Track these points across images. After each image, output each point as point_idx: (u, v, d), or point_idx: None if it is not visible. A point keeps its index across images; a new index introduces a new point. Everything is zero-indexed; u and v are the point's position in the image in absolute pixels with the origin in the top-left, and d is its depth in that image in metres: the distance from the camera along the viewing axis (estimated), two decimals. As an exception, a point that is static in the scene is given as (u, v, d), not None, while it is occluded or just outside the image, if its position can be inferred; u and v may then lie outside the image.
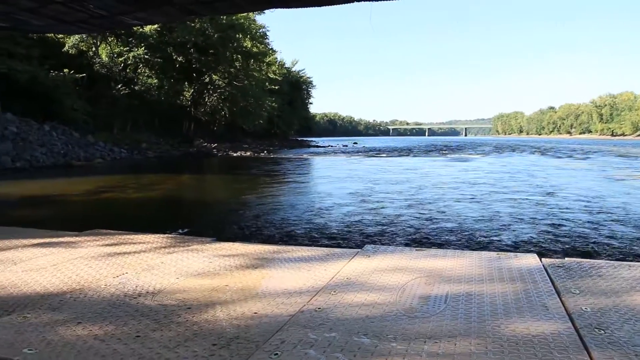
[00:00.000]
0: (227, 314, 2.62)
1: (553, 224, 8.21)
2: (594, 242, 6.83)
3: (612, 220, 8.49)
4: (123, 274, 3.40)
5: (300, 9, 12.10)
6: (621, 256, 6.02)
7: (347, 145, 66.01)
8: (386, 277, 3.26)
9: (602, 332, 2.39)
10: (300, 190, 13.64)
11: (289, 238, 6.88)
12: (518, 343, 2.25)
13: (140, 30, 40.31)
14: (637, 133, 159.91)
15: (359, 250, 4.04)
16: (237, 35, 49.45)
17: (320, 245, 6.17)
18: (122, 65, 42.19)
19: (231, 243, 4.38)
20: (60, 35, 34.42)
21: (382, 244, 6.15)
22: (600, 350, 2.19)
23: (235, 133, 56.52)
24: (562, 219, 8.61)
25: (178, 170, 23.69)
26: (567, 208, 9.97)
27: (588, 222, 8.40)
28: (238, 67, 51.57)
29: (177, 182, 17.31)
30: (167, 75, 45.71)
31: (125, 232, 4.85)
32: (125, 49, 42.00)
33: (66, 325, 2.48)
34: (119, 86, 39.97)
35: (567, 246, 6.54)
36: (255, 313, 2.63)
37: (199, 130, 50.12)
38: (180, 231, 7.13)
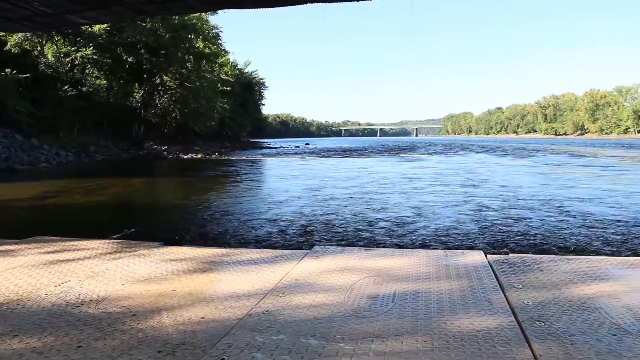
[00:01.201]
0: (173, 319, 2.58)
1: (498, 220, 8.51)
2: (535, 236, 7.03)
3: (552, 215, 8.77)
4: (65, 282, 3.30)
5: (253, 9, 12.02)
6: (562, 250, 6.23)
7: (299, 146, 65.97)
8: (335, 277, 3.27)
9: (543, 324, 2.47)
10: (251, 193, 13.56)
11: (238, 240, 6.82)
12: (463, 339, 2.30)
13: (89, 29, 39.26)
14: (578, 132, 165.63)
15: (308, 251, 4.04)
16: (189, 36, 48.81)
17: (270, 247, 6.17)
18: (69, 65, 41.01)
19: (179, 247, 4.32)
20: (2, 33, 33.19)
21: (332, 245, 6.18)
22: (540, 341, 2.26)
23: (186, 135, 55.78)
24: (507, 216, 8.89)
25: (127, 173, 23.21)
26: (512, 205, 10.38)
27: (530, 217, 8.70)
28: (190, 68, 50.89)
29: (125, 185, 16.95)
30: (117, 76, 44.71)
31: (69, 238, 4.70)
32: (72, 48, 40.80)
33: (1, 339, 2.38)
34: (66, 87, 38.71)
35: (511, 242, 6.70)
36: (203, 318, 2.60)
37: (149, 133, 49.23)
38: (127, 236, 6.99)
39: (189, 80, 50.41)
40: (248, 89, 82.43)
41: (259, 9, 11.48)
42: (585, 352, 2.15)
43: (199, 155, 39.83)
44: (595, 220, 8.40)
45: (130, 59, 45.25)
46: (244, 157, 37.02)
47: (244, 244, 6.56)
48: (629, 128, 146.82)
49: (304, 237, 7.02)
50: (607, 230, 7.46)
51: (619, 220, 8.24)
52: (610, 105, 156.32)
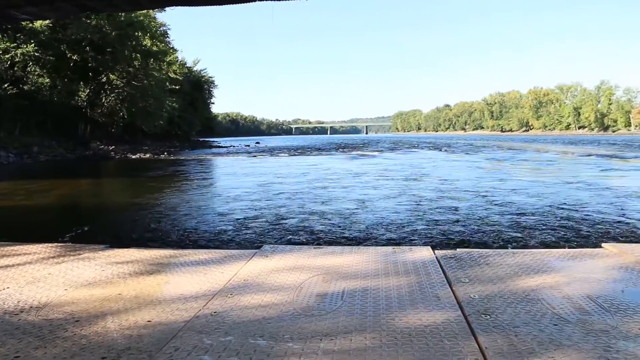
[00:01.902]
0: (118, 324, 2.52)
1: (445, 215, 8.67)
2: (482, 232, 7.18)
3: (498, 211, 8.99)
4: (4, 289, 3.16)
5: (202, 7, 11.84)
6: (506, 244, 6.38)
7: (249, 145, 65.56)
8: (284, 276, 3.26)
9: (488, 317, 2.52)
10: (200, 192, 13.38)
11: (187, 241, 6.70)
12: (411, 334, 2.32)
13: (30, 25, 37.85)
14: (523, 129, 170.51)
15: (257, 250, 4.01)
16: (136, 33, 47.74)
17: (219, 247, 6.08)
18: (9, 62, 39.46)
19: (125, 249, 4.21)
20: None
21: (281, 243, 6.15)
22: (486, 334, 2.31)
23: (134, 135, 54.59)
24: (454, 211, 9.04)
25: (72, 174, 22.57)
26: (459, 199, 10.61)
27: (477, 212, 8.90)
28: (137, 66, 49.73)
29: (70, 187, 16.47)
30: (61, 75, 43.27)
31: (9, 242, 4.50)
32: (12, 45, 39.30)
33: None
34: (6, 85, 37.31)
35: (459, 239, 6.81)
36: (149, 321, 2.54)
37: (96, 132, 47.93)
38: (71, 239, 6.78)
39: (137, 79, 49.32)
40: (197, 88, 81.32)
41: (207, 6, 11.30)
42: (529, 343, 2.21)
43: (148, 155, 39.09)
44: (523, 211, 8.80)
45: (74, 57, 43.92)
46: (193, 157, 36.53)
47: (193, 244, 6.45)
48: (570, 124, 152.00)
49: (253, 236, 6.95)
50: (530, 220, 7.77)
51: (542, 211, 8.57)
52: (552, 103, 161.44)
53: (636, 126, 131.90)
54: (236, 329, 2.41)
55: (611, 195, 10.81)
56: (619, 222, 7.66)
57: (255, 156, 35.56)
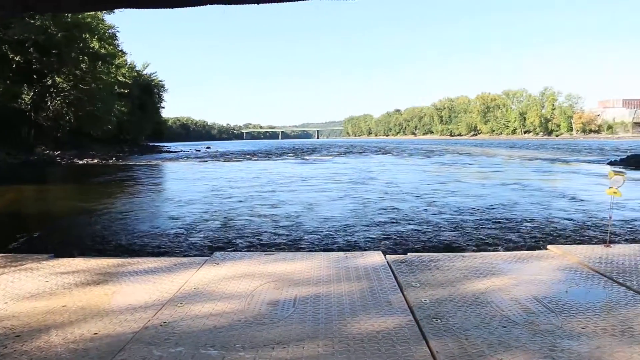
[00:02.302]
0: (63, 337, 2.42)
1: (396, 219, 8.84)
2: (425, 233, 7.29)
3: (441, 213, 9.18)
4: (-60, 302, 3.01)
5: (151, 9, 11.62)
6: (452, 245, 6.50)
7: (200, 150, 64.71)
8: (235, 284, 3.21)
9: (439, 321, 2.55)
10: (149, 198, 13.13)
11: (135, 249, 6.54)
12: (363, 340, 2.32)
13: (-34, 24, 36.42)
14: (472, 133, 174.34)
15: (208, 257, 3.95)
16: (83, 35, 46.51)
17: (169, 255, 5.96)
18: (-57, 63, 37.84)
19: (71, 259, 4.06)
20: None
21: (232, 250, 6.07)
22: (437, 338, 2.33)
23: (81, 139, 53.06)
24: (404, 215, 9.20)
25: (15, 180, 21.75)
26: (404, 202, 10.93)
27: (420, 215, 9.17)
28: (84, 69, 48.32)
29: (12, 194, 15.88)
30: (2, 76, 41.82)
31: (-55, 255, 4.31)
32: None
33: None
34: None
35: (404, 241, 6.89)
36: (96, 334, 2.46)
37: (41, 137, 46.36)
38: (12, 249, 6.52)
39: (84, 82, 47.97)
40: (147, 92, 79.77)
41: (157, 9, 11.11)
42: (479, 346, 2.24)
43: (96, 161, 38.15)
44: (468, 213, 9.08)
45: (17, 58, 42.50)
46: (143, 162, 35.87)
47: (142, 252, 6.30)
48: (516, 129, 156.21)
49: (204, 243, 6.85)
50: (475, 223, 7.99)
51: (488, 214, 8.80)
52: (499, 108, 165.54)
53: (577, 130, 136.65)
54: (187, 339, 2.36)
55: (554, 198, 11.16)
56: (562, 223, 7.90)
57: (206, 161, 35.16)
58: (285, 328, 2.47)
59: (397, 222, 8.33)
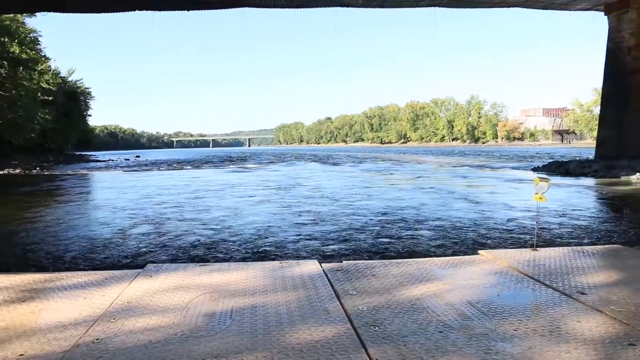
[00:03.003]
0: (-15, 360, 2.28)
1: (313, 220, 9.40)
2: (351, 238, 7.37)
3: (381, 220, 9.30)
4: None
5: (77, 14, 11.27)
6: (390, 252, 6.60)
7: (129, 159, 63.00)
8: (170, 297, 3.12)
9: (377, 328, 2.56)
10: (77, 209, 12.64)
11: (63, 263, 6.26)
12: (302, 350, 2.30)
13: None
14: (402, 141, 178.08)
15: (141, 270, 3.82)
16: (2, 39, 44.47)
17: (99, 268, 5.74)
18: None
19: (-8, 276, 3.85)
20: None
21: (165, 262, 5.92)
22: (376, 346, 2.34)
23: (2, 148, 50.71)
24: (320, 217, 9.61)
25: None
26: (327, 207, 11.35)
27: (358, 222, 9.26)
28: (4, 74, 46.28)
29: None
30: None
31: None
32: None
33: None
34: None
35: (347, 249, 6.94)
36: (22, 355, 2.33)
37: (-45, 147, 44.08)
38: None
39: (4, 88, 45.87)
40: (72, 99, 76.76)
41: (81, 13, 10.79)
42: (417, 352, 2.26)
43: (18, 171, 36.37)
44: (397, 219, 9.20)
45: None
46: (69, 172, 34.50)
47: (70, 266, 6.06)
48: (444, 136, 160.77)
49: (135, 255, 6.65)
50: (406, 228, 8.13)
51: (417, 220, 9.01)
52: (428, 116, 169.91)
53: (502, 138, 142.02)
54: (121, 356, 2.27)
55: (481, 203, 11.53)
56: (491, 228, 8.16)
57: (136, 170, 34.22)
58: (223, 340, 2.42)
59: (314, 223, 9.05)
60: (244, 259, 6.34)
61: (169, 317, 2.75)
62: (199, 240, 7.58)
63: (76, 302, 3.08)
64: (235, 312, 2.83)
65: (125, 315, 2.80)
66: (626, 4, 23.12)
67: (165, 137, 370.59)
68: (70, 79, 79.36)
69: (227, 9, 22.91)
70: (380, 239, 7.40)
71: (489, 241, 7.17)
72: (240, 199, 13.84)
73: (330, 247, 6.97)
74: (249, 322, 2.66)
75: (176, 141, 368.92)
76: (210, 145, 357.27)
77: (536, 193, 4.47)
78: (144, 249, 6.95)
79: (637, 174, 18.99)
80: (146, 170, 34.26)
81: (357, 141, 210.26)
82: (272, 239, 7.69)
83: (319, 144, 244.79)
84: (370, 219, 9.30)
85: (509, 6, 23.94)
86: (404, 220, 9.04)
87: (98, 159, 64.60)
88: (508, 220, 8.97)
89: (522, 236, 7.46)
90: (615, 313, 2.78)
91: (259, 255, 6.60)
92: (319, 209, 11.04)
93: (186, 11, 21.05)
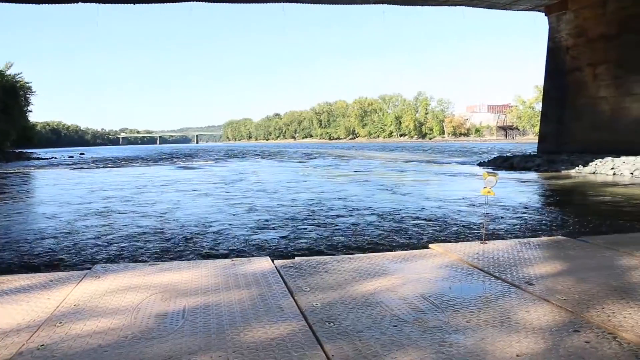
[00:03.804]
0: None
1: (251, 210, 10.12)
2: (320, 238, 7.39)
3: (330, 215, 9.37)
4: None
5: (18, 4, 10.82)
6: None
7: (73, 156, 61.20)
8: (119, 298, 3.04)
9: (332, 324, 2.55)
10: (18, 209, 12.16)
11: (3, 266, 6.04)
12: (258, 349, 2.27)
13: None
14: (350, 136, 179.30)
15: (88, 271, 3.70)
16: None
17: (43, 270, 5.55)
18: None
19: None
20: None
21: (114, 262, 5.77)
22: (332, 342, 2.33)
23: None
24: (288, 217, 9.45)
25: None
26: (265, 200, 12.15)
27: (291, 212, 9.99)
28: None
29: None
30: None
31: None
32: None
33: None
34: None
35: (298, 244, 6.94)
36: (-40, 364, 2.22)
37: None
38: None
39: None
40: (11, 94, 73.71)
41: (23, 4, 10.38)
42: (372, 346, 2.27)
43: (-50, 172, 34.88)
44: (345, 214, 9.49)
45: None
46: (9, 170, 33.27)
47: (11, 269, 5.83)
48: (392, 132, 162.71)
49: (82, 254, 6.47)
50: (354, 223, 8.27)
51: (366, 214, 9.20)
52: (376, 112, 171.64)
53: (449, 134, 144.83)
54: (67, 362, 2.19)
55: (429, 198, 11.73)
56: (440, 222, 8.30)
57: (79, 168, 33.32)
58: (176, 341, 2.37)
59: (252, 212, 10.11)
60: (174, 243, 6.91)
61: (119, 319, 2.67)
62: (140, 232, 7.98)
63: (18, 307, 2.94)
64: (188, 311, 2.78)
65: (72, 319, 2.69)
66: (565, 6, 23.95)
67: (111, 134, 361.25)
68: (8, 72, 76.22)
69: (174, 3, 22.43)
70: (311, 226, 8.27)
71: (431, 230, 7.32)
72: (183, 193, 14.51)
73: (259, 236, 7.61)
74: (202, 322, 2.61)
75: (122, 138, 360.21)
76: (158, 142, 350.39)
77: (485, 187, 4.56)
78: (91, 252, 6.76)
79: (577, 167, 19.70)
80: (91, 168, 33.45)
81: (306, 137, 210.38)
82: (209, 228, 8.31)
83: (267, 140, 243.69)
84: (360, 222, 9.01)
85: (455, 5, 24.37)
86: (386, 220, 8.89)
87: (40, 156, 62.48)
88: (442, 211, 9.15)
89: (464, 230, 7.63)
90: (560, 302, 2.86)
91: (191, 241, 7.22)
92: (256, 202, 11.84)
93: (132, 4, 20.50)
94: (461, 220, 8.43)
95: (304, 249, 6.66)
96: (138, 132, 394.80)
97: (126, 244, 7.15)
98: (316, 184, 17.06)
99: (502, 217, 8.63)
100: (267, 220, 9.04)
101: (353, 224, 8.42)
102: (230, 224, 8.67)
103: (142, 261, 6.07)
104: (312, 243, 7.02)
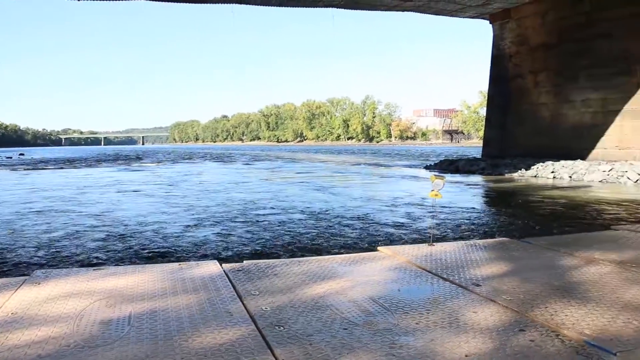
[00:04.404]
0: None
1: (202, 214, 10.06)
2: (268, 239, 7.35)
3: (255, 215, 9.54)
4: None
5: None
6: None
7: (11, 157, 58.76)
8: (61, 305, 2.92)
9: (282, 328, 2.53)
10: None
11: None
12: (207, 355, 2.23)
13: None
14: (298, 139, 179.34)
15: (27, 277, 3.54)
16: None
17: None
18: None
19: None
20: None
21: (56, 268, 5.57)
22: (282, 346, 2.31)
23: None
24: (223, 216, 9.72)
25: None
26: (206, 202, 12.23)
27: (228, 211, 10.29)
28: None
29: None
30: None
31: None
32: None
33: None
34: None
35: (244, 247, 6.88)
36: None
37: None
38: None
39: None
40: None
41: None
42: (323, 350, 2.26)
43: None
44: (290, 216, 9.51)
45: None
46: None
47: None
48: (340, 135, 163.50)
49: (19, 260, 6.22)
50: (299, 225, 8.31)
51: (313, 217, 9.24)
52: (324, 115, 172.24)
53: (396, 137, 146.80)
54: (5, 373, 2.09)
55: (377, 200, 11.84)
56: (388, 224, 8.38)
57: (18, 170, 32.03)
58: (121, 349, 2.29)
59: (189, 211, 10.51)
60: (112, 242, 7.06)
61: (61, 328, 2.56)
62: (78, 231, 8.17)
63: (-49, 316, 2.79)
64: (134, 317, 2.70)
65: (9, 329, 2.57)
66: (508, 15, 24.67)
67: (53, 135, 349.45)
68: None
69: (121, 1, 21.94)
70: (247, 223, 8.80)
71: (373, 231, 7.41)
72: (123, 193, 14.67)
73: (192, 233, 7.98)
74: (148, 328, 2.54)
75: (65, 138, 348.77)
76: (102, 143, 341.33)
77: (432, 190, 4.62)
78: (29, 257, 6.51)
79: (519, 171, 20.28)
80: (32, 169, 32.20)
81: (254, 140, 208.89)
82: (145, 226, 8.55)
83: (215, 142, 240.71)
84: (237, 209, 10.57)
85: (403, 10, 24.70)
86: (330, 223, 8.93)
87: (-26, 157, 59.84)
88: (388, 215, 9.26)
89: (403, 232, 7.73)
90: (506, 302, 2.93)
91: (126, 238, 7.48)
92: (195, 202, 12.13)
93: (76, 0, 19.92)
94: (409, 223, 8.54)
95: (235, 244, 7.03)
96: (82, 132, 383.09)
97: (66, 243, 7.16)
98: (256, 185, 17.67)
99: (449, 220, 8.79)
100: (202, 218, 9.43)
101: (281, 222, 8.87)
102: (166, 222, 8.98)
103: (81, 261, 5.97)
104: (243, 239, 7.38)
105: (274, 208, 10.77)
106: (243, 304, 2.92)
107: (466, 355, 2.21)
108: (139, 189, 15.98)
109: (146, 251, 6.68)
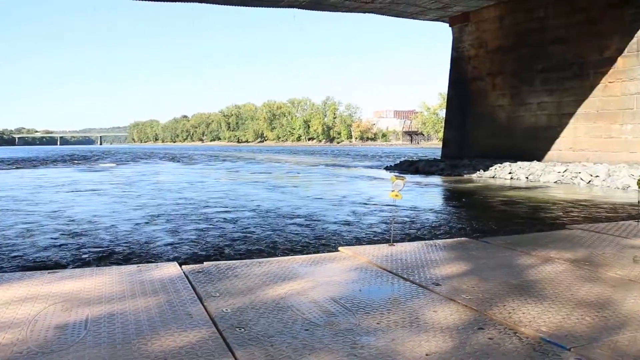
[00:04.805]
0: None
1: (153, 210, 10.33)
2: (231, 239, 7.29)
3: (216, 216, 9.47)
4: None
5: None
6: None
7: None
8: (14, 310, 2.82)
9: (243, 330, 2.51)
10: None
11: None
12: (167, 358, 2.19)
13: None
14: (259, 140, 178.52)
15: (-22, 282, 3.44)
16: None
17: None
18: None
19: None
20: None
21: (6, 271, 5.40)
22: (243, 348, 2.29)
23: None
24: (174, 214, 9.95)
25: None
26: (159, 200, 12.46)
27: (180, 208, 10.59)
28: None
29: None
30: None
31: None
32: None
33: None
34: None
35: (207, 248, 6.81)
36: None
37: None
38: None
39: None
40: None
41: None
42: (284, 351, 2.25)
43: None
44: (244, 217, 9.39)
45: None
46: None
47: None
48: (301, 136, 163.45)
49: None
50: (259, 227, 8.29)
51: (265, 218, 9.29)
52: (285, 116, 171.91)
53: (356, 138, 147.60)
54: (-47, 381, 2.02)
55: (338, 201, 11.88)
56: (349, 225, 8.42)
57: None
58: (78, 354, 2.23)
59: (141, 209, 10.77)
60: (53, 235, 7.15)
61: (13, 333, 2.48)
62: (30, 229, 8.21)
63: None
64: (91, 321, 2.63)
65: (-42, 335, 2.48)
66: (467, 18, 25.10)
67: (5, 134, 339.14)
68: None
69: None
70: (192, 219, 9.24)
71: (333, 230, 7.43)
72: (78, 193, 14.70)
73: (144, 229, 8.27)
74: (106, 332, 2.48)
75: (18, 138, 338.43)
76: (58, 143, 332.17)
77: (392, 190, 4.65)
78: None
79: (478, 172, 20.63)
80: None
81: (214, 140, 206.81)
82: (98, 225, 8.70)
83: (175, 142, 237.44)
84: (191, 207, 11.04)
85: (365, 12, 24.86)
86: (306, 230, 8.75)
87: None
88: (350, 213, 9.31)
89: (370, 232, 7.78)
90: (466, 301, 2.97)
91: (77, 235, 7.62)
92: (148, 201, 12.38)
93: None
94: (367, 223, 8.60)
95: (183, 240, 7.24)
96: (36, 131, 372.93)
97: (18, 241, 7.16)
98: (212, 184, 18.12)
99: (409, 220, 8.87)
100: (155, 216, 9.73)
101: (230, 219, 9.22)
102: (118, 220, 9.23)
103: (33, 260, 5.87)
104: (192, 236, 7.58)
105: (226, 207, 11.10)
106: (203, 305, 2.89)
107: (427, 355, 2.23)
108: (95, 189, 16.02)
109: (97, 249, 6.69)
